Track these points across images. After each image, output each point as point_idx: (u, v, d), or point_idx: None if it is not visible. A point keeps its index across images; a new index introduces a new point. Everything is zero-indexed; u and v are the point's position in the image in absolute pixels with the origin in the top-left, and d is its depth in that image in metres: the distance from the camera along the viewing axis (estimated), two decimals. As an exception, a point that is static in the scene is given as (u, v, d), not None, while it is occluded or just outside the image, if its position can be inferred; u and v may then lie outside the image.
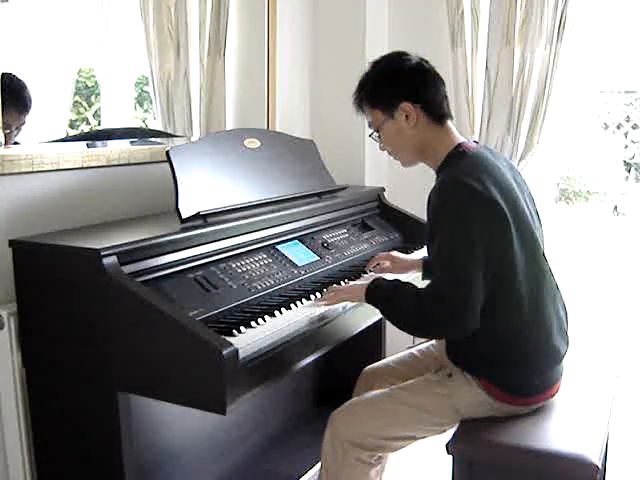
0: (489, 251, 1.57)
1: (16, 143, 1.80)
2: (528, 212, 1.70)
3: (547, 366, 1.71)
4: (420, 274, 2.11)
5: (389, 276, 1.88)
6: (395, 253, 2.13)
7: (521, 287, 1.63)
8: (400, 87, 1.73)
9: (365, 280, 1.81)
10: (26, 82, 1.81)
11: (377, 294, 1.71)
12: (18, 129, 1.79)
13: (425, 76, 1.75)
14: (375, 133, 1.81)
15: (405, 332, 1.72)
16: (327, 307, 1.78)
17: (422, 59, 1.77)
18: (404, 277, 1.97)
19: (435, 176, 1.76)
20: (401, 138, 1.76)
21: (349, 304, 1.83)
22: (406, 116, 1.72)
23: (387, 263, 2.09)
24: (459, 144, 1.73)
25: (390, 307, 1.68)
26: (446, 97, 1.77)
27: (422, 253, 2.40)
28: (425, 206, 1.68)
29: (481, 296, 1.56)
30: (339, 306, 1.81)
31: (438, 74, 1.77)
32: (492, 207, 1.59)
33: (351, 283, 1.89)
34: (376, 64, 1.79)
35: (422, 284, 1.79)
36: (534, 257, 1.69)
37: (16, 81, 1.75)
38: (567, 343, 1.75)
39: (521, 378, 1.69)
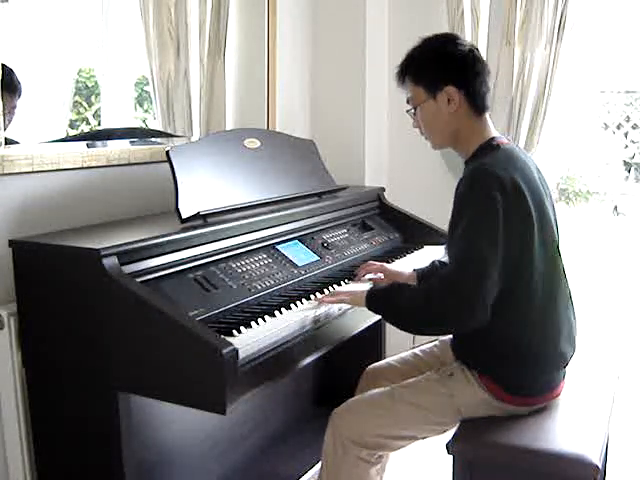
0: (510, 246, 1.56)
1: (13, 142, 1.80)
2: (552, 216, 1.70)
3: (551, 369, 1.71)
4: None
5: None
6: (387, 266, 2.08)
7: (537, 287, 1.63)
8: (449, 70, 1.71)
9: (363, 287, 1.81)
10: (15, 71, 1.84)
11: (378, 296, 1.71)
12: (11, 113, 1.79)
13: (475, 65, 1.72)
14: (412, 110, 1.78)
15: (410, 330, 1.71)
16: (327, 307, 1.77)
17: (474, 47, 1.76)
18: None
19: (464, 166, 1.75)
20: (438, 121, 1.74)
21: (345, 305, 1.82)
22: (448, 100, 1.70)
23: (380, 275, 2.04)
24: (492, 137, 1.73)
25: (393, 305, 1.68)
26: (489, 90, 1.75)
27: (419, 256, 2.40)
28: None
29: (495, 289, 1.56)
30: (336, 307, 1.81)
31: (487, 65, 1.76)
32: (519, 202, 1.59)
33: (351, 288, 1.88)
34: (428, 41, 1.76)
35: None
36: (553, 260, 1.69)
37: (2, 65, 1.75)
38: (574, 349, 1.74)
39: (524, 378, 1.69)
